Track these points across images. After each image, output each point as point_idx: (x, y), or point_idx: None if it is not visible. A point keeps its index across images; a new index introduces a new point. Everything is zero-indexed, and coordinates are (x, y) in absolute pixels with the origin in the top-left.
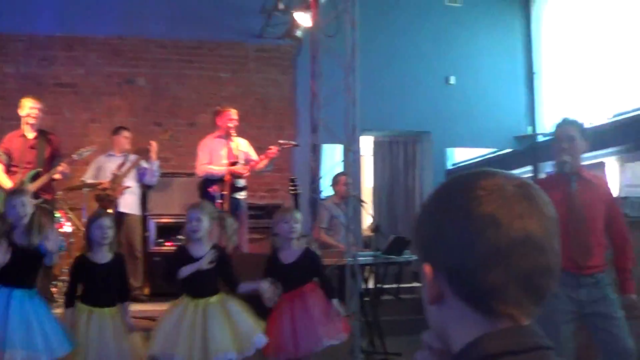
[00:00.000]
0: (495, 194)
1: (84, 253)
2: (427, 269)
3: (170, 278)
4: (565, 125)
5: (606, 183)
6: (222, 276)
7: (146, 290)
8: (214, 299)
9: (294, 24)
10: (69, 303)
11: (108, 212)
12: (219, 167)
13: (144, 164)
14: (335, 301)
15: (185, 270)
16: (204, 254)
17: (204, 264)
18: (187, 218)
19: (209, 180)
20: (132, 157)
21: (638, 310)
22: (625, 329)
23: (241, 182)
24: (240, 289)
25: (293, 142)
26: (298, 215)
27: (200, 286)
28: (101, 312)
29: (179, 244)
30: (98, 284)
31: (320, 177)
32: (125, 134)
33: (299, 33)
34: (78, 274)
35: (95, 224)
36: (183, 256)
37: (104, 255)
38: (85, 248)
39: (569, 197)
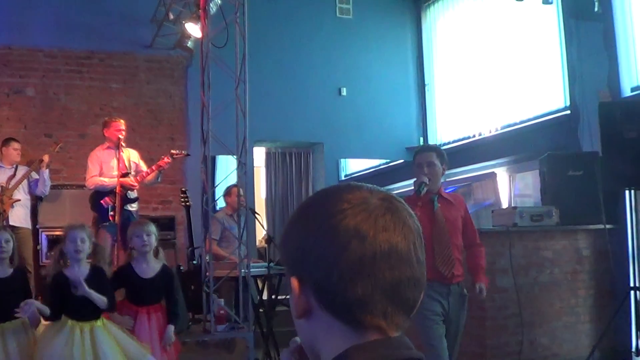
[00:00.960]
0: (359, 207)
1: None
2: (294, 282)
3: (58, 311)
4: (425, 151)
5: (462, 201)
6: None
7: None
8: (99, 322)
9: (184, 35)
10: None
11: (5, 226)
12: (109, 179)
13: (34, 175)
14: (170, 327)
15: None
16: (83, 275)
17: (85, 287)
18: (70, 238)
19: (101, 192)
20: (23, 168)
21: (482, 295)
22: (458, 345)
23: (133, 194)
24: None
25: (184, 152)
26: (152, 228)
27: (84, 309)
28: (2, 327)
29: (54, 273)
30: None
31: (215, 188)
32: (15, 145)
33: (189, 44)
34: None
35: None
36: (62, 282)
37: (4, 270)
38: None
39: (434, 215)
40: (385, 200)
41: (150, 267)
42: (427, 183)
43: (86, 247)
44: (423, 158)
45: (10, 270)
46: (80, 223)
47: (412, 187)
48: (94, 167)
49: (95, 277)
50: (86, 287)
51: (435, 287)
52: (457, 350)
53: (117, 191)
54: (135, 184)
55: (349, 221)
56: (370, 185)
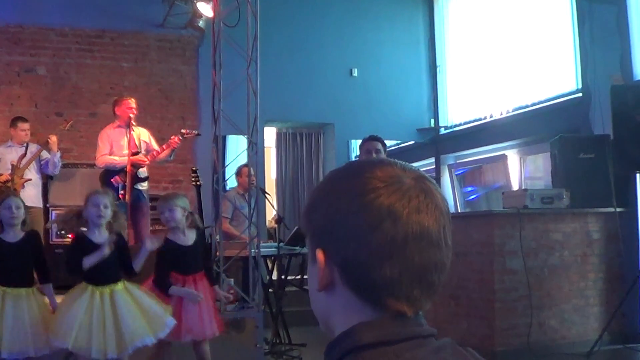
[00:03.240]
0: (393, 187)
1: None
2: (319, 255)
3: (75, 269)
4: (374, 140)
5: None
6: (121, 261)
7: None
8: (118, 286)
9: (196, 14)
10: None
11: (15, 192)
12: (119, 158)
13: (45, 155)
14: (216, 287)
15: (89, 260)
16: (104, 240)
17: (106, 251)
18: (93, 203)
19: (111, 171)
20: (34, 147)
21: None
22: None
23: (143, 173)
24: (136, 268)
25: (195, 132)
26: (180, 202)
27: (104, 274)
28: (17, 293)
29: (77, 232)
30: (9, 263)
31: (225, 168)
32: (23, 126)
33: (201, 23)
34: None
35: (3, 204)
36: (84, 244)
37: (15, 235)
38: None
39: None
40: (419, 180)
41: (188, 236)
42: None
43: (108, 213)
44: (371, 145)
45: (21, 234)
46: (104, 189)
47: (425, 168)
48: (104, 146)
49: (115, 243)
50: (106, 250)
51: None
52: None
53: (127, 170)
54: (146, 161)
55: (383, 200)
56: (401, 162)
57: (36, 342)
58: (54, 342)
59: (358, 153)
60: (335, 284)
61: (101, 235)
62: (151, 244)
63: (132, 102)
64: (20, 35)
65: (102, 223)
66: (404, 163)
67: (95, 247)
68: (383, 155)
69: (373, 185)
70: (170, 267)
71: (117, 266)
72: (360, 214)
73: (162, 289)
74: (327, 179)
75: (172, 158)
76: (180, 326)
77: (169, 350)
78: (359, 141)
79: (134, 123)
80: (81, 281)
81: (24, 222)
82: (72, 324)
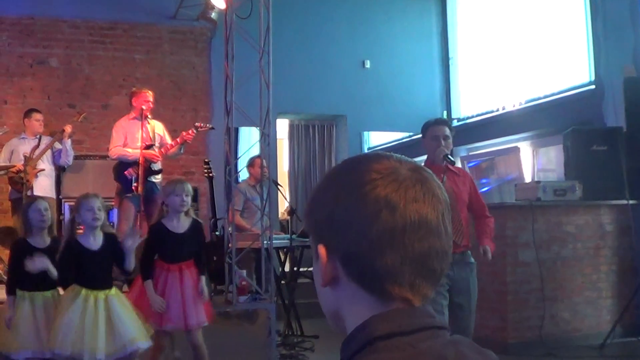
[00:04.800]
0: (390, 177)
1: (23, 237)
2: (321, 250)
3: (68, 278)
4: (440, 124)
5: (468, 174)
6: (116, 261)
7: None
8: (113, 291)
9: (208, 6)
10: (11, 290)
11: (43, 197)
12: (132, 150)
13: (57, 146)
14: (202, 278)
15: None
16: (99, 245)
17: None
18: (86, 207)
19: (124, 163)
20: (46, 139)
21: (487, 257)
22: (473, 314)
23: (157, 166)
24: (129, 267)
25: (209, 125)
26: (190, 188)
27: (98, 279)
28: (44, 296)
29: (67, 239)
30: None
31: (237, 160)
32: (37, 116)
33: (213, 15)
34: (19, 259)
35: (32, 207)
36: (77, 249)
37: (43, 240)
38: (23, 232)
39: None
40: (415, 171)
41: (181, 223)
42: (448, 154)
43: (102, 215)
44: (440, 131)
45: (49, 240)
46: (94, 192)
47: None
48: (118, 137)
49: (110, 245)
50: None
51: None
52: (474, 321)
53: (140, 162)
54: (159, 156)
55: (380, 191)
56: (398, 155)
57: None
58: (54, 350)
59: (423, 138)
60: (340, 278)
61: (95, 240)
62: (131, 242)
63: (150, 95)
64: (33, 27)
65: (98, 226)
66: (400, 156)
67: (90, 254)
68: (451, 142)
69: (370, 177)
70: (155, 253)
71: (111, 271)
72: (358, 205)
73: (142, 274)
74: (325, 176)
75: (182, 151)
76: (161, 314)
77: (169, 339)
78: (372, 133)
79: (149, 116)
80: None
81: (50, 228)
82: (68, 330)
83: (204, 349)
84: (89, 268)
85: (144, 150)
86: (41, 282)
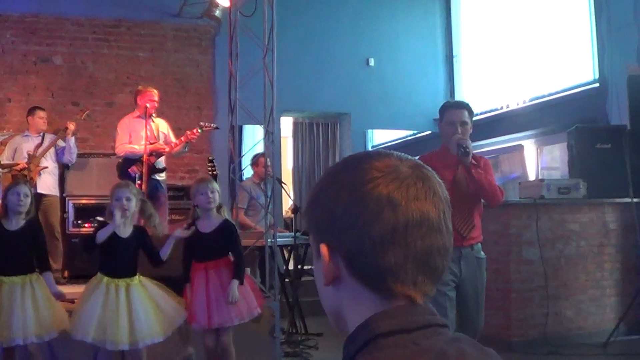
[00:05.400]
0: (391, 175)
1: None
2: (323, 249)
3: (91, 243)
4: (459, 108)
5: (487, 163)
6: (146, 252)
7: (65, 273)
8: (135, 280)
9: (212, 4)
10: None
11: (27, 181)
12: (139, 146)
13: (61, 143)
14: (234, 282)
15: (102, 234)
16: (127, 234)
17: (118, 219)
18: (116, 196)
19: (129, 160)
20: (50, 136)
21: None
22: (482, 308)
23: (161, 164)
24: (163, 256)
25: (214, 125)
26: (215, 185)
27: (121, 266)
28: (11, 281)
29: (102, 221)
30: (8, 251)
31: (241, 158)
32: (40, 114)
33: (217, 12)
34: None
35: (12, 190)
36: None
37: (17, 223)
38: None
39: (456, 177)
40: (416, 169)
41: (211, 222)
42: (469, 148)
43: (132, 205)
44: (457, 116)
45: (22, 222)
46: (126, 182)
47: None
48: (123, 134)
49: (139, 237)
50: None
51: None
52: (483, 317)
53: (144, 160)
54: (165, 147)
55: (382, 189)
56: (398, 153)
57: (26, 330)
58: (74, 336)
59: (439, 122)
60: (342, 276)
61: (126, 229)
62: (181, 232)
63: (155, 94)
64: (37, 25)
65: (127, 216)
66: (400, 153)
67: (118, 240)
68: (470, 127)
69: (371, 176)
70: (191, 255)
71: (135, 260)
72: (360, 203)
73: (183, 277)
74: (325, 174)
75: (186, 150)
76: (188, 313)
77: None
78: (376, 131)
79: (153, 114)
80: (96, 272)
81: (28, 212)
82: (90, 318)
83: (232, 352)
84: (112, 255)
85: (150, 145)
86: (15, 266)
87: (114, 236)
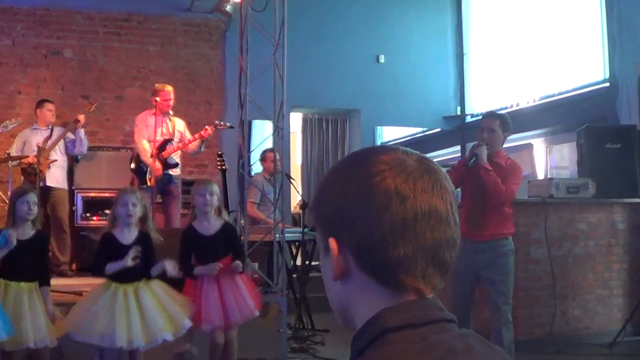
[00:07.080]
0: (398, 168)
1: (6, 228)
2: (332, 244)
3: (100, 272)
4: (489, 117)
5: (512, 165)
6: (147, 262)
7: (73, 265)
8: (142, 283)
9: None
10: None
11: (33, 188)
12: (147, 159)
13: (70, 136)
14: (237, 262)
15: (112, 268)
16: (132, 239)
17: (129, 262)
18: (121, 202)
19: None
20: (59, 129)
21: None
22: (505, 293)
23: (174, 159)
24: (152, 273)
25: (228, 124)
26: (215, 188)
27: (129, 273)
28: (18, 286)
29: (104, 232)
30: (17, 259)
31: (250, 153)
32: (49, 106)
33: (228, 7)
34: None
35: (21, 199)
36: (111, 245)
37: (26, 232)
38: (8, 223)
39: (475, 179)
40: (421, 162)
41: (212, 224)
42: (480, 154)
43: (137, 211)
44: (486, 123)
45: (32, 233)
46: (132, 187)
47: (451, 156)
48: (142, 129)
49: (142, 243)
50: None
51: (467, 245)
52: (506, 303)
53: (153, 153)
54: (173, 150)
55: (389, 182)
56: (403, 148)
57: (36, 334)
58: (76, 337)
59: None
60: (351, 270)
61: (130, 235)
62: (172, 269)
63: (171, 93)
64: (47, 18)
65: (132, 222)
66: (405, 148)
67: (123, 247)
68: (499, 135)
69: (378, 169)
70: (189, 254)
71: (142, 263)
72: (368, 196)
73: (187, 273)
74: (331, 170)
75: (202, 150)
76: (199, 315)
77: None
78: (385, 128)
79: (170, 112)
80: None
81: (34, 220)
82: (93, 320)
83: (235, 346)
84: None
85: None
86: (21, 273)
87: (119, 244)
